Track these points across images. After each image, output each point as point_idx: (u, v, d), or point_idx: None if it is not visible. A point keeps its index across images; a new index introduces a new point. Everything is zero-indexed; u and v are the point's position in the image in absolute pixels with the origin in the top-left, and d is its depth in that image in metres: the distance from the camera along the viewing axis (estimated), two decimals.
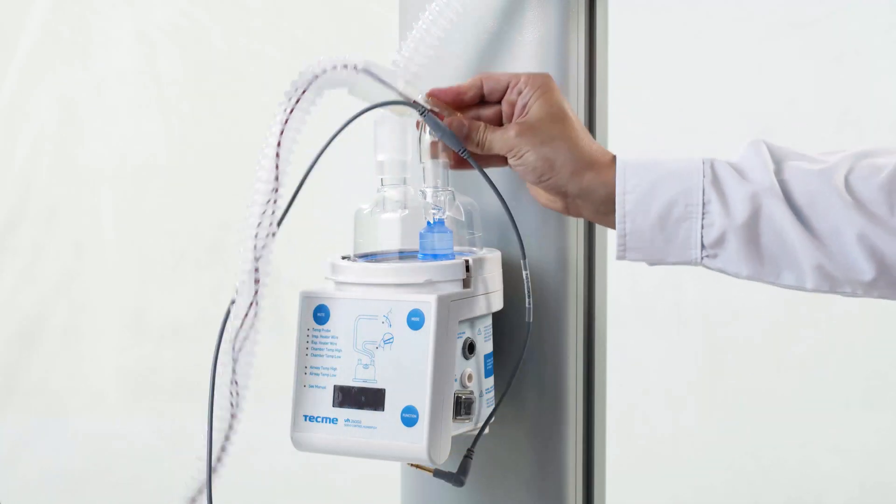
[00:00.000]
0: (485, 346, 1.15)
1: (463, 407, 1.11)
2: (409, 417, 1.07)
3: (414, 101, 1.11)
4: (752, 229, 1.04)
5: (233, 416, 1.09)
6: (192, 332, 2.61)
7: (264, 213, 1.06)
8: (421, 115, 1.11)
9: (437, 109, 1.12)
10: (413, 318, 1.08)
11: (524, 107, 1.10)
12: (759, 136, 1.08)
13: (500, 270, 1.17)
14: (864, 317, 2.29)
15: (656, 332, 2.40)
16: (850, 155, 1.06)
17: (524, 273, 1.13)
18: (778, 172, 1.06)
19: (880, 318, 2.28)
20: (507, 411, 1.20)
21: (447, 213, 1.13)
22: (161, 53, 2.61)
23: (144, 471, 2.57)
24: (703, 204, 1.05)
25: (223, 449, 1.09)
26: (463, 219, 1.15)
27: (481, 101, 1.13)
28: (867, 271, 1.03)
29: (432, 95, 1.13)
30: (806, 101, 2.33)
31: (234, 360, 1.08)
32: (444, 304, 1.08)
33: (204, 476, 1.09)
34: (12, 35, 2.64)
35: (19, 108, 2.66)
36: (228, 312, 1.08)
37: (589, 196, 1.07)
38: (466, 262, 1.12)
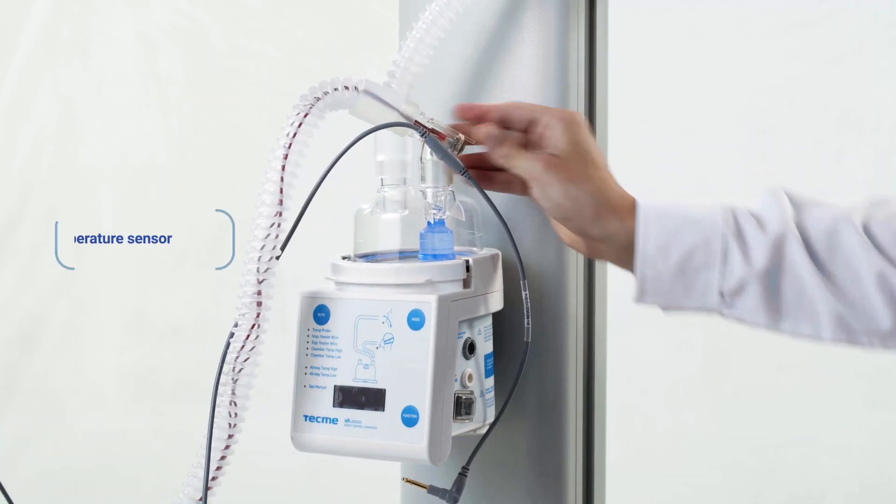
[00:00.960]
0: (485, 346, 1.15)
1: (463, 407, 1.11)
2: (409, 417, 1.07)
3: (415, 122, 1.12)
4: (772, 279, 1.04)
5: (230, 436, 1.09)
6: (192, 332, 2.61)
7: (268, 236, 1.07)
8: (422, 136, 1.11)
9: (438, 130, 1.12)
10: (413, 319, 1.08)
11: (551, 139, 1.09)
12: (779, 185, 1.09)
13: (501, 270, 1.17)
14: None
15: (656, 331, 2.40)
16: (868, 203, 1.07)
17: (524, 294, 1.13)
18: (798, 219, 1.06)
19: None
20: (507, 411, 1.20)
21: (447, 213, 1.14)
22: (161, 53, 2.61)
23: (144, 470, 2.57)
24: (724, 252, 1.05)
25: (219, 469, 1.09)
26: (463, 219, 1.15)
27: (506, 126, 1.12)
28: (885, 318, 1.03)
29: (459, 109, 1.13)
30: (806, 101, 2.32)
31: (234, 381, 1.08)
32: (445, 304, 1.08)
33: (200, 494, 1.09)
34: (12, 35, 2.64)
35: (19, 108, 2.65)
36: (231, 335, 1.08)
37: (611, 240, 1.07)
38: (467, 262, 1.12)
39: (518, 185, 1.13)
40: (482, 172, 1.15)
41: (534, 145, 1.11)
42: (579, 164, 1.08)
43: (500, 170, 1.13)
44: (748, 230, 1.05)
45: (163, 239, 2.61)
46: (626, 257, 1.08)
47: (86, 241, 2.65)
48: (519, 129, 1.12)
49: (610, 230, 1.07)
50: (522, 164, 1.09)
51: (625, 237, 1.07)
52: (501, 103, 1.13)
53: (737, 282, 1.05)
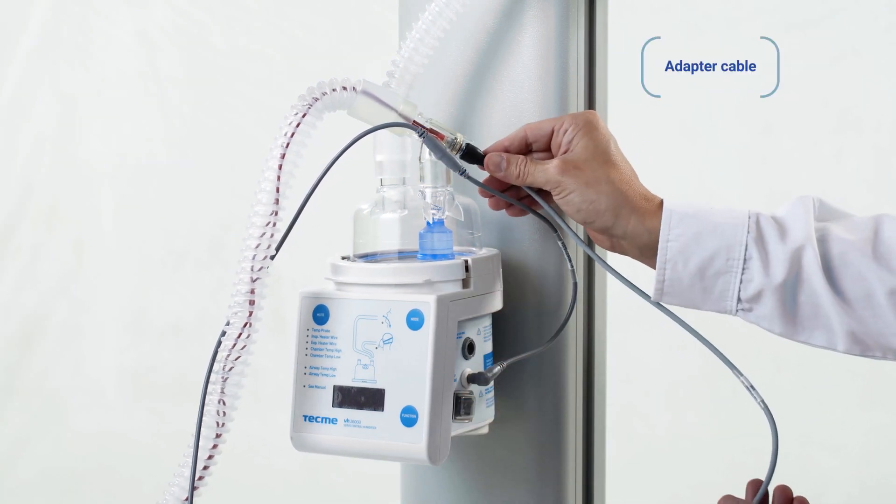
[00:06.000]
0: (484, 346, 1.15)
1: (462, 407, 1.11)
2: (408, 417, 1.07)
3: (413, 122, 1.11)
4: (789, 290, 1.06)
5: (217, 435, 1.08)
6: (192, 332, 2.61)
7: (263, 235, 1.07)
8: (420, 136, 1.11)
9: (436, 130, 1.12)
10: (412, 319, 1.08)
11: (568, 143, 1.10)
12: (811, 194, 1.10)
13: (500, 270, 1.17)
14: None
15: (656, 332, 2.40)
16: (887, 214, 1.08)
17: (560, 243, 1.16)
18: (820, 233, 1.07)
19: None
20: (507, 411, 1.20)
21: (447, 213, 1.14)
22: (161, 53, 2.61)
23: (144, 470, 2.57)
24: (745, 260, 1.06)
25: (206, 467, 1.09)
26: (462, 219, 1.15)
27: (529, 150, 1.13)
28: None
29: (489, 166, 1.12)
30: (806, 100, 2.32)
31: (224, 380, 1.08)
32: (444, 304, 1.08)
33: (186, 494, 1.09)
34: (12, 35, 2.64)
35: (19, 108, 2.66)
36: (223, 333, 1.08)
37: (633, 240, 1.09)
38: (466, 262, 1.12)
39: (545, 198, 1.13)
40: (525, 201, 1.15)
41: (557, 155, 1.11)
42: (597, 165, 1.08)
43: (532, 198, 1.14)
44: (770, 240, 1.06)
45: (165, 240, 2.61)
46: (648, 256, 1.09)
47: (86, 241, 2.65)
48: (542, 147, 1.13)
49: (632, 230, 1.08)
50: (539, 176, 1.10)
51: (646, 237, 1.08)
52: (515, 131, 1.13)
53: (755, 290, 1.06)
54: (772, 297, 1.06)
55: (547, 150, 1.12)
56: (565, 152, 1.10)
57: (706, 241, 1.07)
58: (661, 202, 1.09)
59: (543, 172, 1.09)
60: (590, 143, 1.09)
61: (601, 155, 1.09)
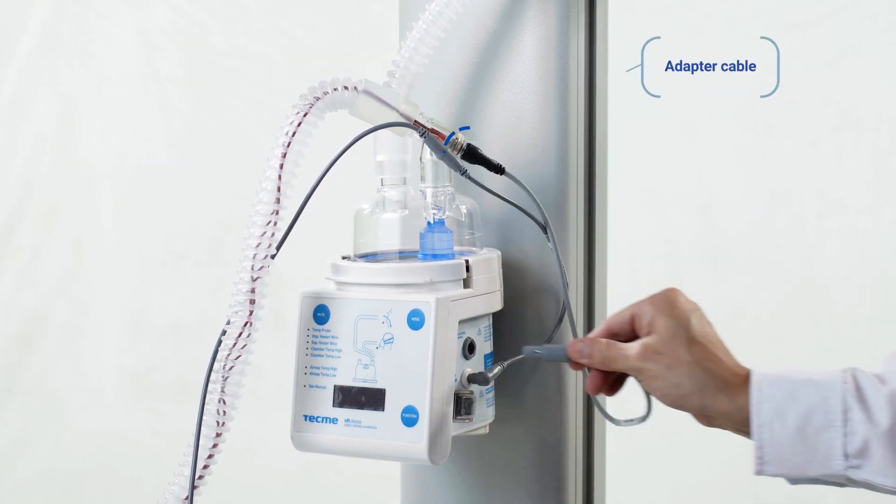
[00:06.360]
0: (485, 346, 1.15)
1: (463, 407, 1.11)
2: (409, 417, 1.07)
3: (415, 122, 1.11)
4: None
5: (217, 435, 1.08)
6: (192, 332, 2.61)
7: (263, 234, 1.07)
8: (421, 136, 1.11)
9: (437, 129, 1.12)
10: (413, 319, 1.08)
11: (649, 325, 1.06)
12: None
13: (501, 271, 1.17)
14: (864, 315, 2.29)
15: None
16: None
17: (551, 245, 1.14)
18: None
19: (880, 315, 2.28)
20: (507, 411, 1.20)
21: (447, 212, 1.14)
22: (161, 53, 2.61)
23: (144, 470, 2.57)
24: (845, 411, 1.00)
25: (206, 466, 1.09)
26: (463, 219, 1.15)
27: (614, 337, 1.09)
28: None
29: (573, 354, 1.09)
30: (806, 100, 2.32)
31: (224, 379, 1.08)
32: (444, 304, 1.08)
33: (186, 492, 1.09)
34: (12, 35, 2.64)
35: (19, 108, 2.66)
36: (224, 333, 1.08)
37: (726, 418, 1.04)
38: (466, 262, 1.12)
39: (621, 382, 1.10)
40: (613, 385, 1.12)
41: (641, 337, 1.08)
42: (679, 346, 1.04)
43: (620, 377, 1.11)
44: (868, 388, 1.01)
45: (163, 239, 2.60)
46: (744, 431, 1.04)
47: (86, 241, 2.65)
48: (628, 335, 1.09)
49: (722, 409, 1.04)
50: (620, 362, 1.07)
51: (738, 416, 1.03)
52: (599, 326, 1.10)
53: (861, 442, 1.00)
54: (880, 447, 0.99)
55: (634, 338, 1.08)
56: (647, 334, 1.06)
57: (801, 397, 1.01)
58: (748, 373, 1.04)
59: (625, 360, 1.06)
60: (669, 323, 1.05)
61: (682, 334, 1.05)
